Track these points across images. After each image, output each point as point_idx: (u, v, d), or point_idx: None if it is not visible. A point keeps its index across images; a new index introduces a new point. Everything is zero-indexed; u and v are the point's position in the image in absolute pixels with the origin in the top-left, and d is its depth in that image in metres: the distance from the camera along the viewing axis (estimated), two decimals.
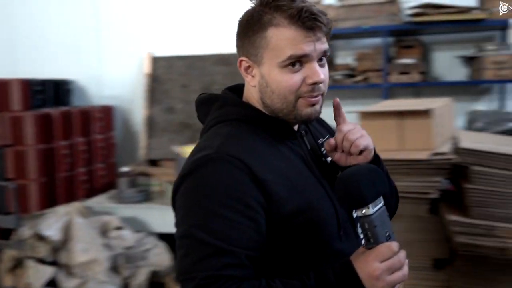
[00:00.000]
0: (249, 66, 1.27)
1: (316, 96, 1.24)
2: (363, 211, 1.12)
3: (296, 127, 1.33)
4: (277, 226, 1.20)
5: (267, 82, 1.24)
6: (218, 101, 1.33)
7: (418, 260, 2.83)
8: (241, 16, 1.28)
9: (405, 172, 2.75)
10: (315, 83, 1.22)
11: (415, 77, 4.63)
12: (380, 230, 1.12)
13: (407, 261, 1.17)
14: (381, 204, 1.14)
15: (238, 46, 1.29)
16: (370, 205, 1.11)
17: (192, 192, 1.18)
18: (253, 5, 1.26)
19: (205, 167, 1.18)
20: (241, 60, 1.28)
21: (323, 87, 1.25)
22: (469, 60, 4.89)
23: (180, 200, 1.21)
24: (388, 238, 1.14)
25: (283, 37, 1.19)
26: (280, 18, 1.19)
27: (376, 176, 1.15)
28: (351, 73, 4.94)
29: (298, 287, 1.13)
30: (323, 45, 1.22)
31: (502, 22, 4.45)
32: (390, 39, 5.03)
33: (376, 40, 4.88)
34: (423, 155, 2.67)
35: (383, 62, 4.69)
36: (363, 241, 1.14)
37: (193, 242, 1.14)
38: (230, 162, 1.17)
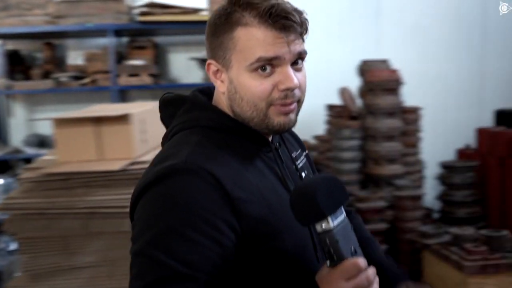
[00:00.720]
0: (217, 70, 1.15)
1: (290, 104, 1.11)
2: (323, 226, 1.00)
3: (270, 138, 1.19)
4: (250, 250, 1.06)
5: (236, 87, 1.11)
6: (186, 104, 1.20)
7: (125, 280, 2.58)
8: (211, 15, 1.15)
9: (102, 184, 2.48)
10: (287, 89, 1.09)
11: (145, 79, 4.44)
12: (343, 245, 1.00)
13: (377, 278, 1.04)
14: (342, 216, 1.03)
15: (206, 48, 1.16)
16: (329, 218, 1.00)
17: (153, 204, 1.06)
18: (223, 3, 1.12)
19: (171, 178, 1.04)
20: (209, 64, 1.15)
21: (299, 93, 1.12)
22: (203, 62, 4.87)
23: (139, 212, 1.08)
24: (354, 254, 1.02)
25: (252, 38, 1.07)
26: (249, 17, 1.07)
27: (333, 185, 1.03)
28: (80, 74, 4.55)
29: None
30: (298, 47, 1.09)
31: None
32: (125, 39, 4.78)
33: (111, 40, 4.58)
34: (118, 165, 2.42)
35: (112, 63, 4.40)
36: (327, 259, 1.02)
37: (148, 261, 1.01)
38: (199, 175, 1.04)
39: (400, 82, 4.20)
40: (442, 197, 4.19)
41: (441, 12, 5.29)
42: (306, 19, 1.11)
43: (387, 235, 3.75)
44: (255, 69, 1.08)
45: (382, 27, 5.26)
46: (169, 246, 1.00)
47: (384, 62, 4.47)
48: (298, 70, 1.12)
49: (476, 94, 5.37)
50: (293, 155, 1.28)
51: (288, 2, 1.10)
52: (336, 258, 1.01)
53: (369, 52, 4.90)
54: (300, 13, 1.10)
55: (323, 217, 1.00)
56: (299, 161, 1.29)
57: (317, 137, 4.89)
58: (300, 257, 1.12)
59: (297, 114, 1.16)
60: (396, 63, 4.56)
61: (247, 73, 1.09)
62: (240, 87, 1.11)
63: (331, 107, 4.57)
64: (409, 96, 5.00)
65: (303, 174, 1.25)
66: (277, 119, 1.12)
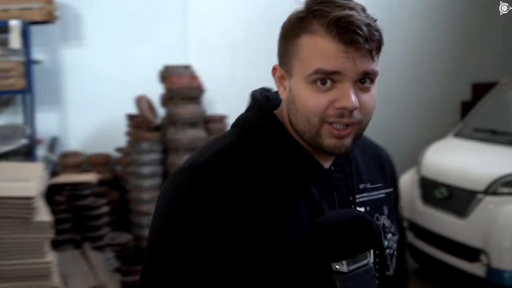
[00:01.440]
0: (282, 76, 1.05)
1: (346, 125, 0.98)
2: (337, 266, 0.94)
3: (330, 162, 1.07)
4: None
5: (293, 97, 1.02)
6: (250, 101, 1.12)
7: None
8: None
9: None
10: (343, 108, 0.97)
11: None
12: None
13: None
14: (363, 263, 0.95)
15: (277, 51, 1.07)
16: (344, 261, 0.93)
17: (158, 199, 1.07)
18: (302, 6, 1.01)
19: (176, 177, 1.04)
20: (274, 68, 1.07)
21: (358, 116, 0.99)
22: None
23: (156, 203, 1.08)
24: None
25: (315, 47, 0.97)
26: (317, 24, 0.97)
27: (361, 227, 0.96)
28: None
29: None
30: (364, 65, 0.96)
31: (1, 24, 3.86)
32: None
33: None
34: None
35: None
36: None
37: (147, 262, 1.05)
38: (203, 186, 0.99)
39: (201, 89, 3.94)
40: None
41: (253, 15, 5.15)
42: (381, 37, 0.98)
43: None
44: (314, 81, 0.98)
45: (189, 29, 4.98)
46: (161, 253, 1.02)
47: (187, 68, 4.18)
48: (363, 90, 1.00)
49: None
50: (361, 186, 1.12)
51: (367, 15, 0.98)
52: None
53: (178, 57, 4.61)
54: (374, 28, 0.97)
55: (338, 258, 0.95)
56: (364, 195, 1.12)
57: (119, 150, 4.45)
58: None
59: (354, 139, 1.02)
60: (203, 69, 4.32)
61: (305, 84, 0.99)
62: (297, 98, 1.01)
63: (131, 117, 4.17)
64: (221, 103, 4.80)
65: (362, 209, 1.09)
66: (328, 140, 1.00)
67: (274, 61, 1.08)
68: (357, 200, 1.09)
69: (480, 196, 3.63)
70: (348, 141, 1.00)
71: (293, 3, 1.02)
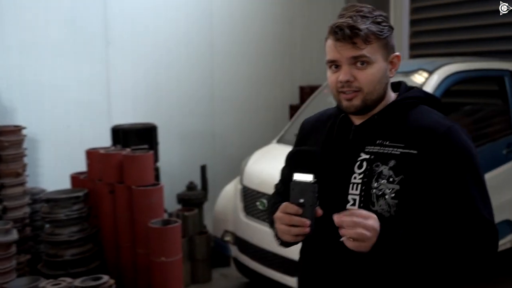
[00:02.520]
0: None
1: (348, 93, 1.48)
2: (293, 176, 1.41)
3: (361, 121, 1.55)
4: None
5: None
6: None
7: None
8: None
9: None
10: (340, 81, 1.48)
11: None
12: (294, 194, 1.39)
13: (307, 221, 1.37)
14: (307, 180, 1.38)
15: None
16: (295, 174, 1.40)
17: None
18: None
19: None
20: None
21: (357, 85, 1.47)
22: None
23: None
24: (300, 205, 1.38)
25: (327, 45, 1.52)
26: (329, 30, 1.50)
27: (309, 157, 1.45)
28: None
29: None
30: (351, 53, 1.45)
31: None
32: None
33: None
34: None
35: None
36: None
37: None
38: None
39: None
40: (45, 239, 3.42)
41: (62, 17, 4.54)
42: (368, 31, 1.44)
43: None
44: (330, 67, 1.52)
45: None
46: None
47: None
48: (359, 69, 1.47)
49: (104, 109, 4.82)
50: (377, 141, 1.51)
51: (350, 20, 1.45)
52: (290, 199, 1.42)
53: None
54: (357, 27, 1.44)
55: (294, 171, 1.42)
56: (375, 147, 1.50)
57: None
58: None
59: (363, 100, 1.48)
60: None
61: (328, 69, 1.53)
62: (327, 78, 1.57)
63: None
64: (20, 112, 4.19)
65: (363, 157, 1.50)
66: (343, 102, 1.51)
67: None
68: (366, 149, 1.50)
69: None
70: (356, 102, 1.48)
71: None
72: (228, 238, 4.10)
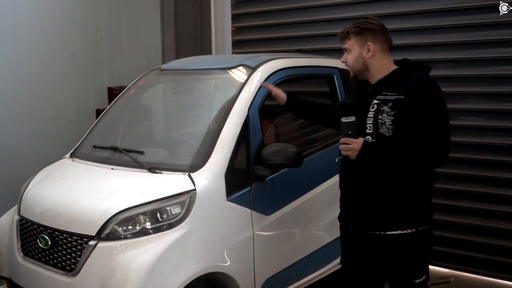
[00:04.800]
0: None
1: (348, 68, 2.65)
2: (341, 119, 2.42)
3: (374, 82, 2.59)
4: None
5: None
6: None
7: None
8: None
9: None
10: (342, 62, 2.67)
11: None
12: (344, 129, 2.40)
13: (354, 147, 2.41)
14: (350, 120, 2.39)
15: None
16: (343, 118, 2.41)
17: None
18: None
19: None
20: None
21: (348, 64, 2.60)
22: None
23: None
24: (349, 135, 2.40)
25: None
26: None
27: (350, 106, 2.52)
28: None
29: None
30: (343, 45, 2.61)
31: None
32: None
33: None
34: None
35: None
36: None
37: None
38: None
39: None
40: None
41: None
42: (353, 30, 2.56)
43: None
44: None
45: None
46: None
47: None
48: (349, 54, 2.60)
49: None
50: (383, 93, 2.49)
51: (348, 27, 2.61)
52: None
53: None
54: (347, 29, 2.58)
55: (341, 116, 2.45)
56: (382, 96, 2.49)
57: None
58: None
59: (355, 73, 2.60)
60: None
61: None
62: None
63: None
64: None
65: (375, 102, 2.53)
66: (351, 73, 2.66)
67: None
68: (377, 97, 2.50)
69: (92, 242, 2.60)
70: (352, 74, 2.62)
71: None
72: (2, 286, 3.08)
